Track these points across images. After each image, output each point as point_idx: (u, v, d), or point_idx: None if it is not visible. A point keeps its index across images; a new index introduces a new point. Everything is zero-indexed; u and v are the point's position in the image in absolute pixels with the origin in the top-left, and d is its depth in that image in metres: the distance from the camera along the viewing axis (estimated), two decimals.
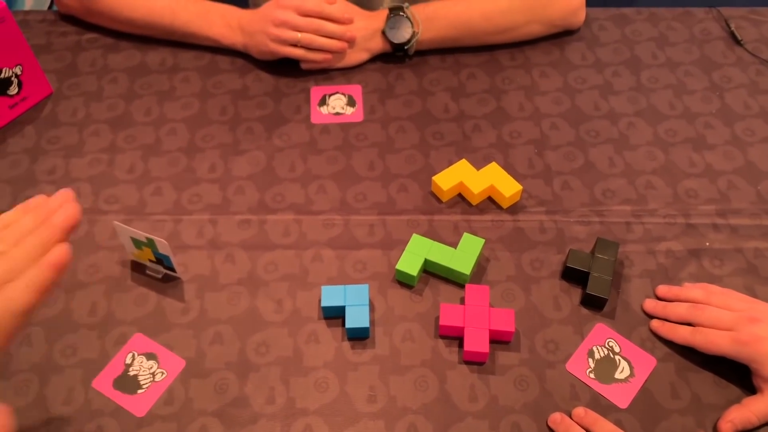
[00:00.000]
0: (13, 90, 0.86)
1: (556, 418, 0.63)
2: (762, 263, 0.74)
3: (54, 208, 0.52)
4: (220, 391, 0.66)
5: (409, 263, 0.72)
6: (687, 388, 0.66)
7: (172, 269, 0.72)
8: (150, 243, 0.69)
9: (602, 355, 0.68)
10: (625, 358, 0.68)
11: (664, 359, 0.67)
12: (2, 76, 0.84)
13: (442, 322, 0.68)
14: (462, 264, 0.72)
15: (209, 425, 0.64)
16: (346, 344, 0.69)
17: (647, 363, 0.67)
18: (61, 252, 0.49)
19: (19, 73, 0.86)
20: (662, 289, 0.72)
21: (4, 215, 0.52)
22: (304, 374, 0.67)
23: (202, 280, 0.73)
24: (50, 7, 1.38)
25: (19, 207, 0.53)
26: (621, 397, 0.65)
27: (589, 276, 0.71)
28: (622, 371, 0.67)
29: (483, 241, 0.74)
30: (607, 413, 0.64)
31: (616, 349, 0.68)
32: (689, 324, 0.67)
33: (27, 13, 1.03)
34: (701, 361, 0.67)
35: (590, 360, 0.67)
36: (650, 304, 0.71)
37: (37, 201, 0.53)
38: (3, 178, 0.82)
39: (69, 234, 0.51)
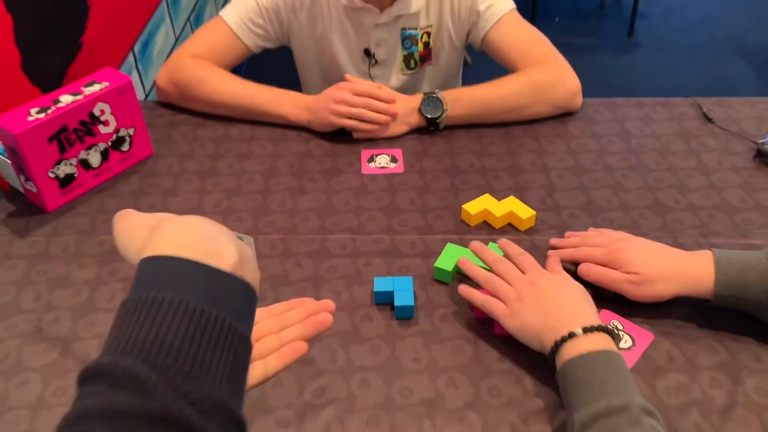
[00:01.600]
0: (125, 147, 1.08)
1: (476, 245, 0.86)
2: None
3: (314, 311, 0.63)
4: None
5: (445, 262, 0.88)
6: (681, 354, 0.79)
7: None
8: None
9: None
10: (627, 333, 0.81)
11: (661, 335, 0.81)
12: (120, 134, 1.06)
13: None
14: None
15: (283, 379, 0.77)
16: (395, 323, 0.83)
17: (646, 337, 0.80)
18: (301, 348, 0.61)
19: (131, 134, 1.08)
20: (569, 234, 0.92)
21: (275, 306, 0.66)
22: (361, 342, 0.81)
23: (276, 279, 0.89)
24: (146, 97, 1.65)
25: (291, 302, 0.66)
26: (626, 360, 0.77)
27: None
28: (626, 342, 0.80)
29: None
30: None
31: (620, 327, 0.82)
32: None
33: None
34: (693, 336, 0.80)
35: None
36: (554, 241, 0.91)
37: (304, 302, 0.65)
38: (113, 211, 1.01)
39: (314, 334, 0.63)
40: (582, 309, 0.74)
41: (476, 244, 0.87)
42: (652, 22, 3.20)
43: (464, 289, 0.82)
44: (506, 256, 0.85)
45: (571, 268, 0.86)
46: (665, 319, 0.82)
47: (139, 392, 0.36)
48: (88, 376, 0.38)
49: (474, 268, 0.83)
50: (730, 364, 0.77)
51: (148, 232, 0.47)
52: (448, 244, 0.91)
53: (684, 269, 0.79)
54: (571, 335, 0.70)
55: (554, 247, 0.90)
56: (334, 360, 0.79)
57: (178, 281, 0.42)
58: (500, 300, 0.78)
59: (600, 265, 0.82)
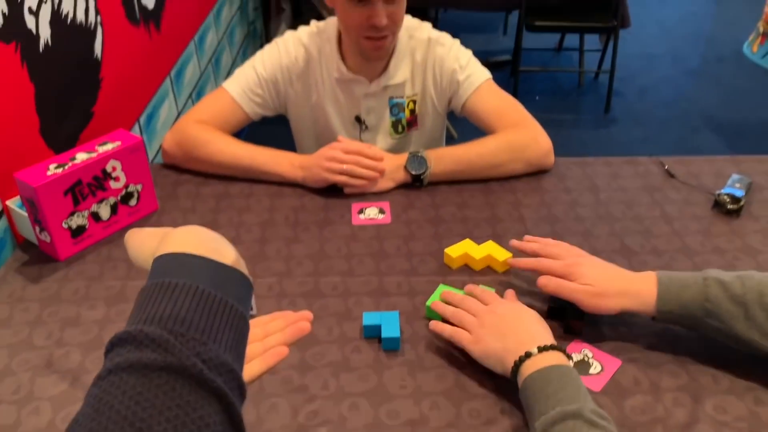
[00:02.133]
0: (133, 202, 1.17)
1: (445, 293, 0.94)
2: None
3: (294, 320, 0.72)
4: (286, 382, 0.85)
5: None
6: (646, 378, 0.85)
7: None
8: None
9: (579, 359, 0.88)
10: (597, 360, 0.88)
11: (628, 361, 0.87)
12: (129, 190, 1.15)
13: None
14: None
15: (278, 404, 0.83)
16: (383, 354, 0.90)
17: (614, 363, 0.87)
18: (282, 352, 0.69)
19: (139, 190, 1.17)
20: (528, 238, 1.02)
21: (259, 318, 0.74)
22: (350, 371, 0.87)
23: None
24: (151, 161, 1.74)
25: (273, 314, 0.75)
26: (595, 384, 0.84)
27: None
28: (595, 368, 0.87)
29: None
30: None
31: (589, 354, 0.89)
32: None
33: None
34: (657, 362, 0.87)
35: (570, 362, 0.87)
36: (515, 242, 1.01)
37: (285, 314, 0.74)
38: (120, 260, 1.09)
39: (294, 340, 0.71)
40: (536, 331, 0.82)
41: (446, 292, 0.95)
42: (627, 100, 3.39)
43: (434, 324, 0.90)
44: (472, 295, 0.93)
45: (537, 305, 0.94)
46: (631, 347, 0.89)
47: (160, 350, 0.43)
48: (115, 344, 0.45)
49: (444, 307, 0.92)
50: (691, 386, 0.84)
51: (158, 240, 0.55)
52: (440, 285, 0.98)
53: (631, 286, 0.87)
54: (528, 354, 0.77)
55: (516, 248, 1.00)
56: (326, 387, 0.85)
57: (188, 270, 0.50)
58: (466, 329, 0.86)
59: (557, 276, 0.91)
